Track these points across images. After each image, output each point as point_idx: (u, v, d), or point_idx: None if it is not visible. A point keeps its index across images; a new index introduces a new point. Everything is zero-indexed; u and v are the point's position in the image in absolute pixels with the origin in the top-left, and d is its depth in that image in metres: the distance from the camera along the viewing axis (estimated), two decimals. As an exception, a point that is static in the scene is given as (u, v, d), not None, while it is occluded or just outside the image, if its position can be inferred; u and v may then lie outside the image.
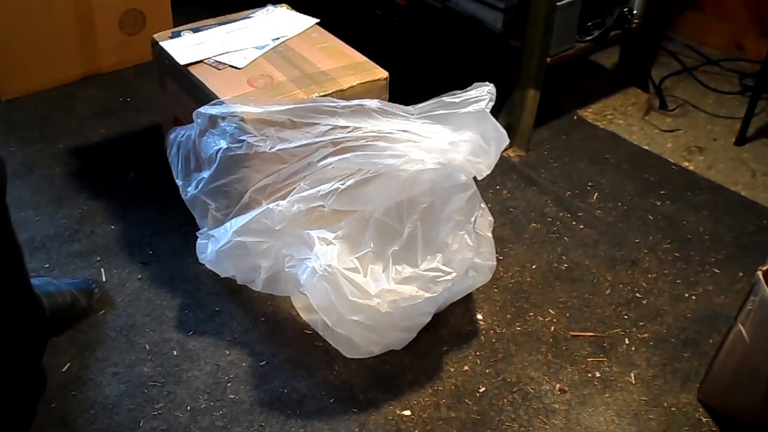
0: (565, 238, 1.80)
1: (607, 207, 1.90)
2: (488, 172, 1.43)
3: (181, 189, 1.55)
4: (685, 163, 2.07)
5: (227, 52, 1.69)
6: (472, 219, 1.42)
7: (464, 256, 1.39)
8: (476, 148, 1.41)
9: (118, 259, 1.68)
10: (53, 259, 1.66)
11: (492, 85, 1.51)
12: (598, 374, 1.48)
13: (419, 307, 1.39)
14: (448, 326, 1.56)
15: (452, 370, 1.48)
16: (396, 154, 1.39)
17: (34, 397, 1.32)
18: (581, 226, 1.83)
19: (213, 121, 1.49)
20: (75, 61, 2.22)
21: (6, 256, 1.15)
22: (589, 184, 1.97)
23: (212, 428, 1.35)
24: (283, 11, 1.89)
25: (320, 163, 1.43)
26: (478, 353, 1.51)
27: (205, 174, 1.50)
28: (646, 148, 2.11)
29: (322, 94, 1.57)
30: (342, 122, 1.46)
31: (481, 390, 1.44)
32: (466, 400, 1.42)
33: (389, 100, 1.59)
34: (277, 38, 1.76)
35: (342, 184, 1.40)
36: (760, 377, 1.29)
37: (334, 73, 1.63)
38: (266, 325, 1.55)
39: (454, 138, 1.43)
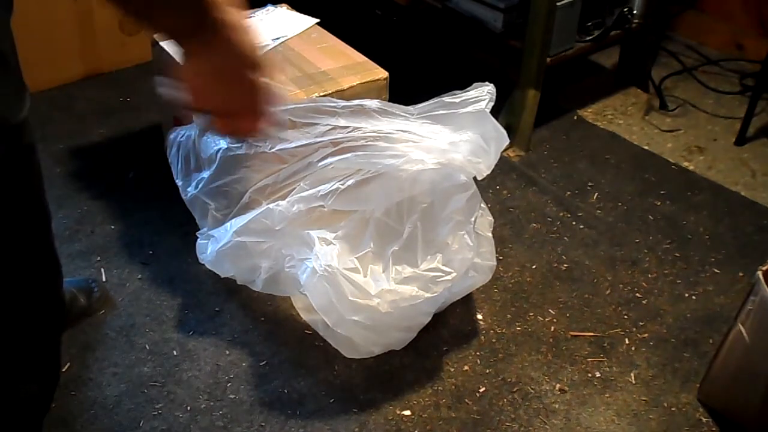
0: (565, 238, 1.80)
1: (607, 207, 1.90)
2: (488, 172, 1.43)
3: (181, 189, 1.55)
4: (685, 163, 2.07)
5: (227, 52, 1.69)
6: (472, 219, 1.42)
7: (464, 256, 1.39)
8: (476, 148, 1.41)
9: (118, 259, 1.68)
10: (53, 259, 1.66)
11: (492, 85, 1.51)
12: (598, 374, 1.48)
13: (419, 307, 1.39)
14: (448, 326, 1.56)
15: (452, 370, 1.48)
16: (396, 154, 1.39)
17: (51, 381, 1.27)
18: (581, 226, 1.83)
19: (213, 121, 1.49)
20: (75, 61, 2.22)
21: (35, 219, 1.15)
22: (589, 184, 1.97)
23: (212, 428, 1.35)
24: (283, 11, 1.88)
25: (320, 163, 1.43)
26: (478, 353, 1.51)
27: (205, 174, 1.50)
28: (646, 148, 2.11)
29: (322, 94, 1.57)
30: (342, 122, 1.46)
31: (481, 390, 1.44)
32: (466, 400, 1.42)
33: (389, 100, 1.59)
34: (277, 38, 1.75)
35: (342, 184, 1.40)
36: (760, 377, 1.29)
37: (334, 73, 1.63)
38: (266, 325, 1.55)
39: (454, 138, 1.43)
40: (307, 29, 1.80)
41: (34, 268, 1.16)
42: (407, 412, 1.40)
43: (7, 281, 1.08)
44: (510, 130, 1.65)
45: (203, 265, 1.53)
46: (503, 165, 1.98)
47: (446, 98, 1.50)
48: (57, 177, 1.89)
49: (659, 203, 1.92)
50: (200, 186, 1.51)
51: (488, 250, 1.52)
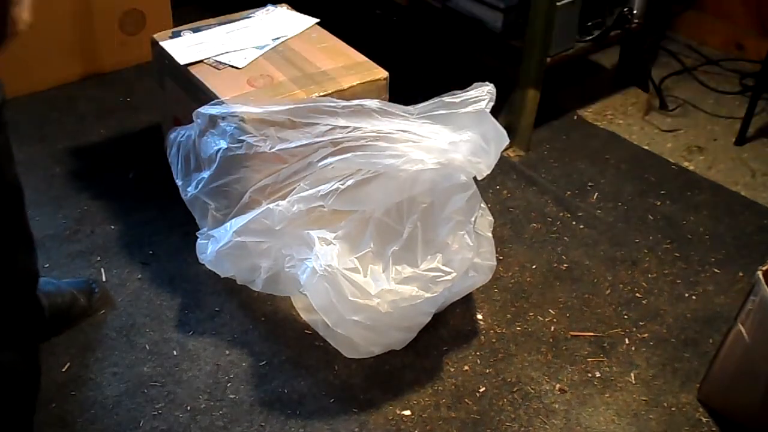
0: (565, 238, 1.80)
1: (607, 207, 1.90)
2: (488, 172, 1.43)
3: (181, 189, 1.55)
4: (685, 163, 2.07)
5: (227, 52, 1.69)
6: (472, 219, 1.42)
7: (464, 256, 1.39)
8: (476, 148, 1.41)
9: (118, 259, 1.68)
10: (53, 259, 1.66)
11: (492, 85, 1.51)
12: (598, 374, 1.48)
13: (419, 307, 1.39)
14: (448, 326, 1.56)
15: (452, 370, 1.48)
16: (396, 154, 1.39)
17: (31, 354, 1.23)
18: (581, 226, 1.83)
19: (213, 121, 1.49)
20: (75, 61, 2.22)
21: (4, 194, 1.14)
22: (589, 184, 1.97)
23: (212, 428, 1.35)
24: (283, 11, 1.89)
25: (320, 163, 1.43)
26: (478, 353, 1.51)
27: (205, 174, 1.50)
28: (646, 148, 2.11)
29: (322, 94, 1.57)
30: (342, 122, 1.46)
31: (481, 390, 1.44)
32: (466, 400, 1.42)
33: (389, 100, 1.59)
34: (277, 38, 1.76)
35: (342, 184, 1.40)
36: (760, 377, 1.29)
37: (334, 73, 1.63)
38: (266, 325, 1.55)
39: (454, 138, 1.43)
40: (307, 29, 1.80)
41: (5, 241, 1.15)
42: (407, 412, 1.40)
43: None
44: (510, 130, 1.65)
45: (203, 265, 1.53)
46: (503, 165, 1.98)
47: (446, 98, 1.50)
48: (57, 177, 1.89)
49: (659, 203, 1.92)
50: (200, 186, 1.51)
51: (488, 250, 1.52)
